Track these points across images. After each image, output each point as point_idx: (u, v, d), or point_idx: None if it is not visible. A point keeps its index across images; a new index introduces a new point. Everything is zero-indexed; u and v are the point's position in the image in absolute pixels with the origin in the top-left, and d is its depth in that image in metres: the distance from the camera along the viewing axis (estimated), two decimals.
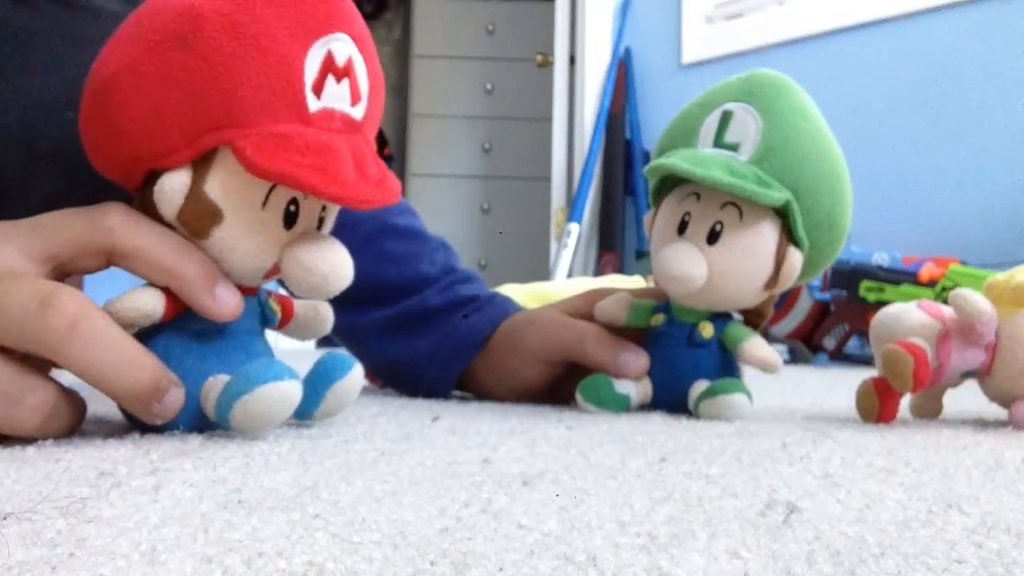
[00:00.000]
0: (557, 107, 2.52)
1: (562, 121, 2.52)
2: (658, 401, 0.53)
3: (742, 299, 0.51)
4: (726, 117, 0.50)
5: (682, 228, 0.50)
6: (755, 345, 0.50)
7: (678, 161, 0.48)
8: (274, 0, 0.37)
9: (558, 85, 2.52)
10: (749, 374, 0.55)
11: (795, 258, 0.49)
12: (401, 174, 3.28)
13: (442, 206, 3.22)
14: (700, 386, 0.51)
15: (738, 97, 0.50)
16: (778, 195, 0.47)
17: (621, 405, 0.51)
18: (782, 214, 0.49)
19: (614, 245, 2.27)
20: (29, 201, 0.52)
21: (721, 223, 0.49)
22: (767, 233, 0.49)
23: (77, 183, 0.52)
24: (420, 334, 0.64)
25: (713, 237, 0.49)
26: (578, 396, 0.52)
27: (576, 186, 2.32)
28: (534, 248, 2.75)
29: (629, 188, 2.30)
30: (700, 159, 0.48)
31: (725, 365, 0.53)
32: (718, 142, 0.50)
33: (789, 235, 0.49)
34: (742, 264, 0.49)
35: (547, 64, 2.71)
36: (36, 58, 0.49)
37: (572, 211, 2.26)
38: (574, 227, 2.22)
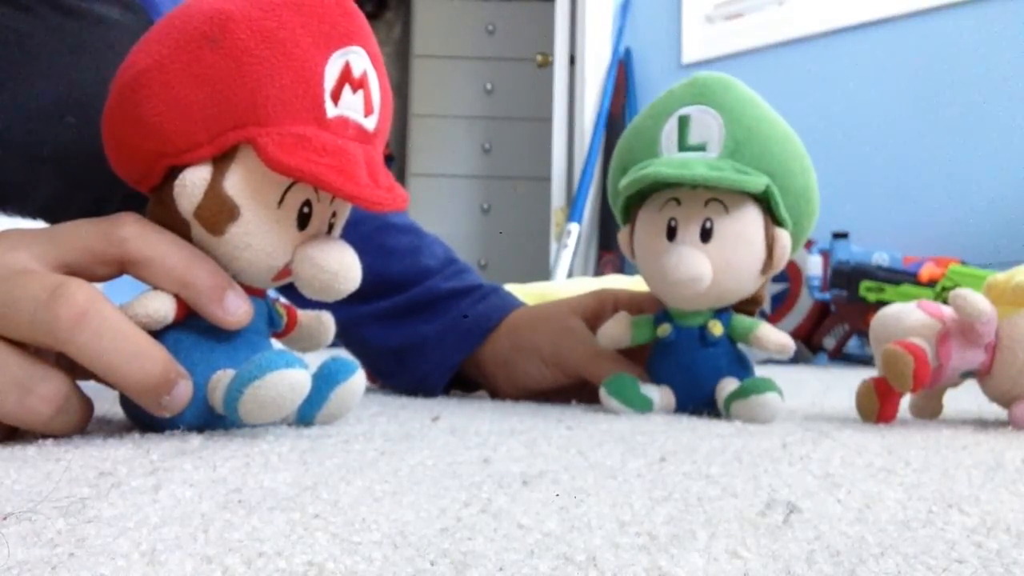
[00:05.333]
0: (557, 107, 2.52)
1: (562, 121, 2.52)
2: (683, 407, 0.53)
3: (744, 288, 0.52)
4: (684, 121, 0.51)
5: (671, 234, 0.51)
6: (767, 331, 0.52)
7: (661, 168, 0.49)
8: (299, 9, 0.38)
9: (558, 85, 2.52)
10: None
11: (784, 238, 0.51)
12: (401, 174, 3.28)
13: (442, 206, 3.22)
14: (727, 384, 0.51)
15: (690, 101, 0.52)
16: (759, 180, 0.49)
17: (646, 406, 0.52)
18: (762, 199, 0.50)
19: (614, 245, 2.27)
20: (29, 205, 0.52)
21: (711, 220, 0.50)
22: (754, 220, 0.50)
23: (77, 187, 0.52)
24: (426, 320, 0.65)
25: (706, 235, 0.50)
26: (602, 393, 0.52)
27: (576, 186, 2.32)
28: (534, 248, 2.75)
29: None
30: (678, 163, 0.49)
31: (739, 359, 0.53)
32: (683, 146, 0.51)
33: (772, 218, 0.51)
34: (740, 254, 0.50)
35: (547, 64, 2.71)
36: (36, 64, 0.49)
37: (572, 211, 2.26)
38: (574, 227, 2.22)
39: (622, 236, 0.55)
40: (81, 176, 0.51)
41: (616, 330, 0.55)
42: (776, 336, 0.51)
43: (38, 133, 0.49)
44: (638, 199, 0.53)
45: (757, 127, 0.50)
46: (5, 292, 0.34)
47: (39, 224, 0.45)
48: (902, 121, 1.83)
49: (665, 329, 0.53)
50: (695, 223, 0.50)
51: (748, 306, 0.54)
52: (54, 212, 0.49)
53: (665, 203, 0.51)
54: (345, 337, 0.68)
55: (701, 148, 0.50)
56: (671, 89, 0.53)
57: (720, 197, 0.49)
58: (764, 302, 0.54)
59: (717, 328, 0.52)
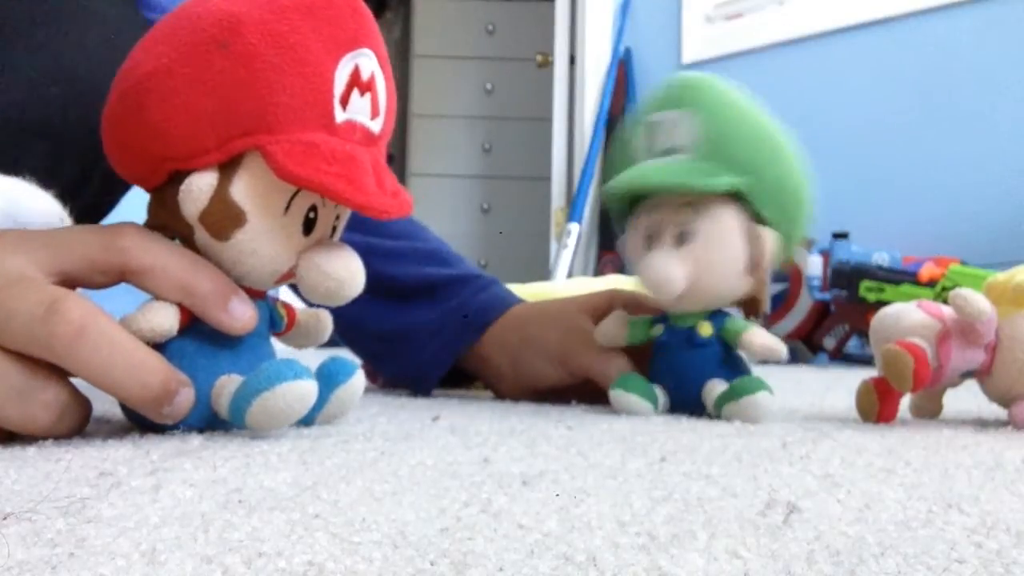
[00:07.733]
0: (557, 107, 2.52)
1: (562, 121, 2.52)
2: (674, 408, 0.53)
3: (728, 290, 0.51)
4: (652, 128, 0.52)
5: (651, 241, 0.52)
6: (755, 334, 0.51)
7: (622, 180, 0.51)
8: (309, 13, 0.38)
9: (558, 85, 2.52)
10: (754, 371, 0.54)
11: (767, 236, 0.51)
12: (401, 174, 3.28)
13: (442, 206, 3.22)
14: (715, 387, 0.51)
15: (663, 106, 0.52)
16: (727, 181, 0.49)
17: (653, 400, 0.52)
18: (741, 199, 0.50)
19: (614, 245, 2.27)
20: (17, 176, 0.52)
21: (685, 223, 0.50)
22: (729, 221, 0.50)
23: (64, 158, 0.52)
24: (422, 306, 0.64)
25: (681, 240, 0.50)
26: (613, 393, 0.52)
27: (576, 186, 2.32)
28: (534, 248, 2.75)
29: None
30: (641, 172, 0.51)
31: (732, 362, 0.53)
32: (656, 152, 0.52)
33: (755, 217, 0.51)
34: (715, 257, 0.50)
35: (547, 64, 2.71)
36: (16, 35, 0.49)
37: (572, 211, 2.26)
38: (574, 227, 2.22)
39: (620, 244, 0.56)
40: (68, 146, 0.50)
41: (612, 328, 0.56)
42: (763, 340, 0.51)
43: (23, 104, 0.49)
44: (630, 207, 0.54)
45: (729, 127, 0.51)
46: (1, 303, 0.33)
47: (33, 187, 0.43)
48: (902, 121, 1.83)
49: (657, 330, 0.54)
50: (671, 229, 0.51)
51: (749, 310, 0.53)
52: (42, 182, 0.49)
53: (647, 211, 0.52)
54: (336, 316, 0.67)
55: (673, 152, 0.51)
56: (650, 93, 0.54)
57: (693, 201, 0.50)
58: (764, 304, 0.53)
59: (705, 329, 0.52)
